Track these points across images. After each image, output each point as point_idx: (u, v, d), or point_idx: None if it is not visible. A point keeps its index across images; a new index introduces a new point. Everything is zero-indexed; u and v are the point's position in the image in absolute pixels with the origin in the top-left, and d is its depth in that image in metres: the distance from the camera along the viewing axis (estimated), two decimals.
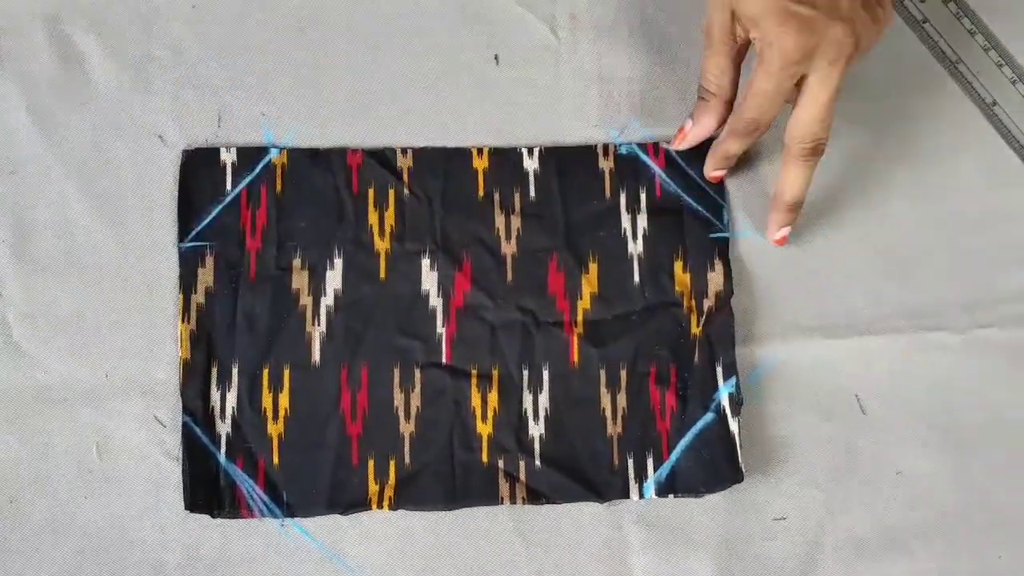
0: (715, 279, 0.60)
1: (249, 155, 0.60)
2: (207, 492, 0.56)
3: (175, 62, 0.61)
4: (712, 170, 0.60)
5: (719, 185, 0.61)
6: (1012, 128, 0.63)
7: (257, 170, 0.60)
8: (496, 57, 0.63)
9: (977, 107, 0.64)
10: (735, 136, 0.57)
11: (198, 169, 0.60)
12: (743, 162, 0.61)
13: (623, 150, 0.61)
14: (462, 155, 0.61)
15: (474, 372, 0.58)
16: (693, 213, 0.61)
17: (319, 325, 0.58)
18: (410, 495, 0.56)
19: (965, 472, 0.58)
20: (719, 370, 0.58)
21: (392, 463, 0.57)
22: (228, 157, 0.60)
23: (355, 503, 0.56)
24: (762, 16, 0.53)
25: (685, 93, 0.63)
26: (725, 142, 0.58)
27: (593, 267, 0.60)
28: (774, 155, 0.62)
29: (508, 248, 0.60)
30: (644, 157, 0.61)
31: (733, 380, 0.58)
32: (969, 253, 0.61)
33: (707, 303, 0.59)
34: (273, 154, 0.60)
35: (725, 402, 0.57)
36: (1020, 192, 0.63)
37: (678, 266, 0.60)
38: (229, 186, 0.59)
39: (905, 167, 0.63)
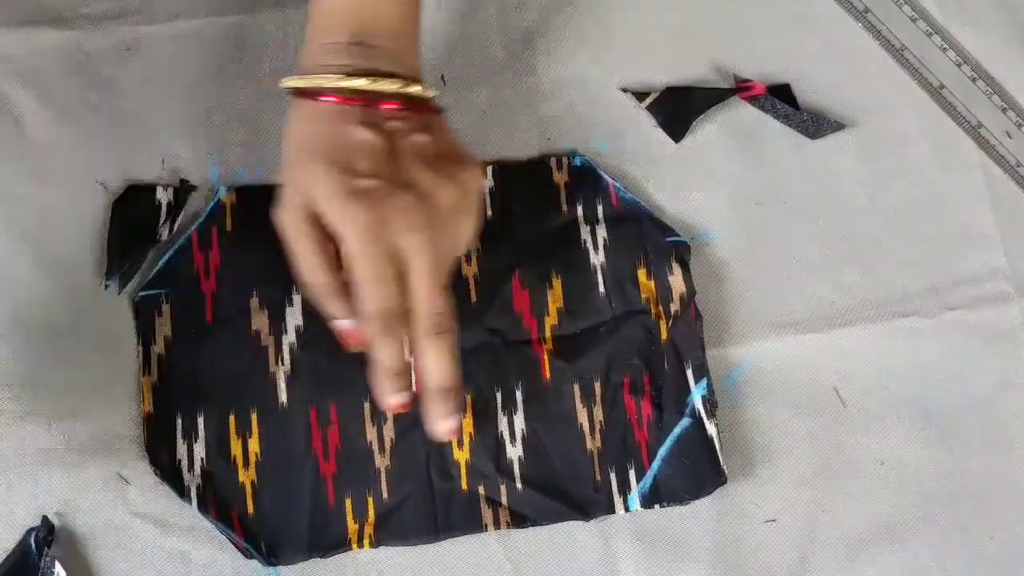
0: (676, 283, 0.59)
1: (196, 195, 0.59)
2: None
3: (112, 107, 0.60)
4: (391, 402, 0.51)
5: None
6: (961, 110, 0.64)
7: (207, 211, 0.58)
8: (442, 77, 0.62)
9: (926, 92, 0.64)
10: (382, 341, 0.49)
11: (134, 208, 0.58)
12: (712, 166, 0.61)
13: (576, 162, 0.61)
14: None
15: None
16: (650, 219, 0.60)
17: (283, 365, 0.56)
18: (391, 531, 0.55)
19: (948, 456, 0.58)
20: (689, 373, 0.57)
21: (370, 500, 0.55)
22: (164, 196, 0.58)
23: (335, 544, 0.54)
24: (328, 199, 0.48)
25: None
26: (379, 355, 0.50)
27: (557, 282, 0.59)
28: (733, 152, 0.62)
29: (469, 269, 0.59)
30: (598, 168, 0.61)
31: (704, 382, 0.57)
32: (927, 238, 0.62)
33: (673, 307, 0.59)
34: (221, 193, 0.59)
35: (699, 405, 0.57)
36: (973, 174, 0.63)
37: (641, 274, 0.59)
38: (161, 223, 0.58)
39: (858, 156, 0.63)
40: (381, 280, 0.49)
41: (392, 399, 0.50)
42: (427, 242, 0.49)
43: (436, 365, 0.50)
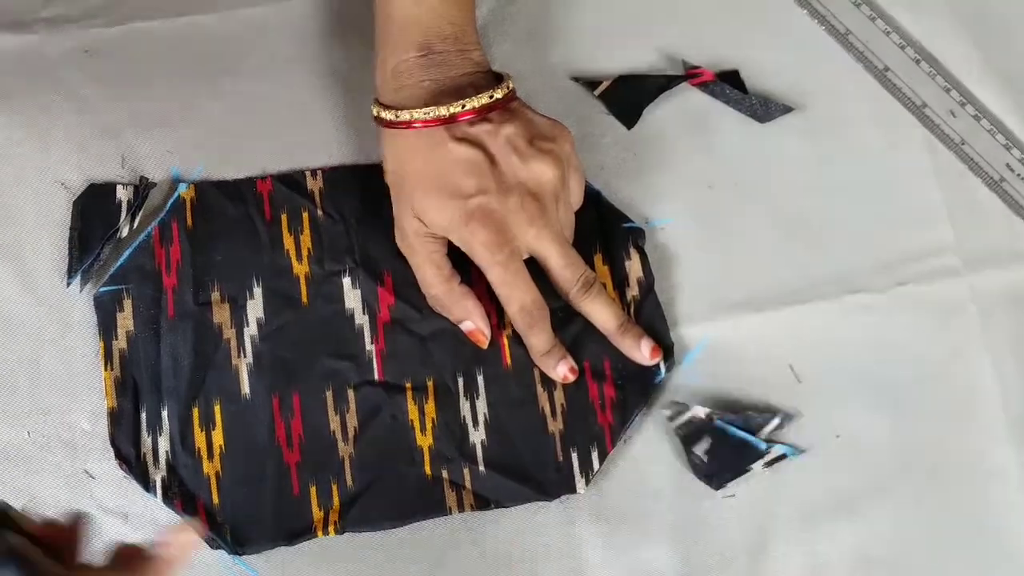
0: (633, 268, 0.60)
1: (157, 192, 0.59)
2: None
3: (71, 108, 0.60)
4: (560, 371, 0.57)
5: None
6: (906, 91, 0.65)
7: (167, 207, 0.59)
8: None
9: (871, 74, 0.65)
10: (530, 331, 0.56)
11: (94, 207, 0.58)
12: (664, 151, 0.63)
13: None
14: (373, 171, 0.60)
15: (408, 385, 0.57)
16: (606, 206, 0.61)
17: (245, 357, 0.57)
18: (356, 517, 0.55)
19: (903, 428, 0.58)
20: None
21: (335, 487, 0.55)
22: (124, 194, 0.59)
23: (300, 532, 0.54)
24: (448, 227, 0.55)
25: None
26: (530, 342, 0.57)
27: None
28: (685, 138, 0.63)
29: None
30: None
31: (671, 362, 0.58)
32: (876, 216, 0.62)
33: (631, 293, 0.59)
34: (181, 189, 0.59)
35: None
36: (918, 154, 0.64)
37: (597, 259, 0.60)
38: (121, 220, 0.58)
39: (807, 138, 0.64)
40: (512, 283, 0.55)
41: (558, 371, 0.57)
42: (544, 228, 0.55)
43: (601, 313, 0.57)
